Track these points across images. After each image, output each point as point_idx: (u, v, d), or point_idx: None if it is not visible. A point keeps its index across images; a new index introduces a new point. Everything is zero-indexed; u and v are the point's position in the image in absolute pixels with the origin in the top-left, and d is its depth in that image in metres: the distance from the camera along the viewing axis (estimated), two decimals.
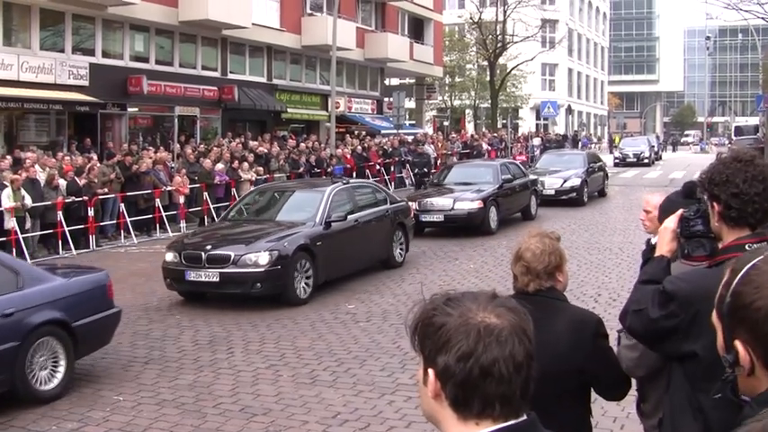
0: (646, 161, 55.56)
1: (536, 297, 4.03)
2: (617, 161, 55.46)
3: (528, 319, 2.00)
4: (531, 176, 28.03)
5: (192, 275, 14.30)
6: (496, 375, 1.91)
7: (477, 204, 22.81)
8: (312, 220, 15.70)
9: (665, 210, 4.27)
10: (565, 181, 30.11)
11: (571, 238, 21.34)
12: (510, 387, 1.92)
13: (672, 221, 3.82)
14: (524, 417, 1.97)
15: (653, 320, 3.60)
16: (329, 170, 31.89)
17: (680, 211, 3.81)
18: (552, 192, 29.63)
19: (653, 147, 60.93)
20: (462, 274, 17.30)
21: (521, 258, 4.13)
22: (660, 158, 65.10)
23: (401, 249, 18.35)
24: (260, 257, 14.11)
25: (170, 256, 14.79)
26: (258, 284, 14.06)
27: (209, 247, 14.58)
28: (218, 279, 14.11)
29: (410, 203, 21.18)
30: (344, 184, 17.90)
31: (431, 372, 1.96)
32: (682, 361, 3.64)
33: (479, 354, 1.90)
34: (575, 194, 29.97)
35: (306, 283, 14.68)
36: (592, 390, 4.28)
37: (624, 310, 3.81)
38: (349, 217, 16.42)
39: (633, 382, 4.39)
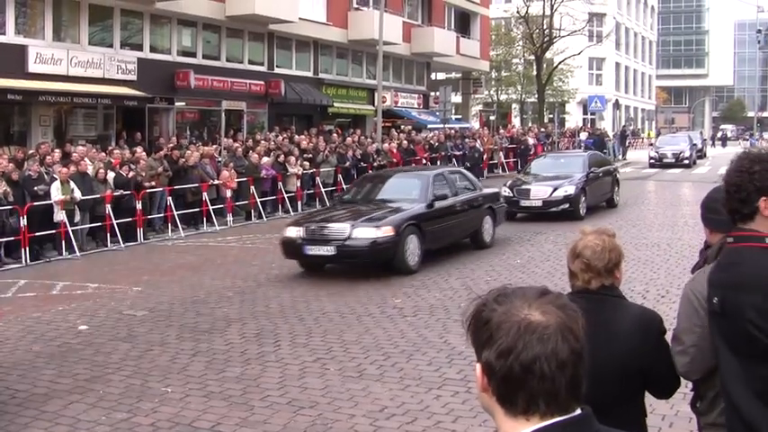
0: (686, 162, 48.65)
1: (598, 295, 3.99)
2: (652, 162, 48.89)
3: (578, 318, 2.00)
4: (485, 190, 20.71)
5: None
6: (537, 373, 1.91)
7: (383, 232, 16.21)
8: None
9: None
10: (555, 189, 24.47)
11: (618, 233, 20.91)
12: (554, 385, 1.92)
13: None
14: (577, 412, 1.97)
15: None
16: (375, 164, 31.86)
17: None
18: (539, 203, 24.39)
19: (695, 145, 53.60)
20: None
21: (579, 255, 4.06)
22: (704, 156, 59.56)
23: None
24: None
25: None
26: None
27: None
28: None
29: (289, 229, 16.83)
30: None
31: (478, 366, 2.00)
32: None
33: (519, 351, 1.92)
34: (568, 205, 24.32)
35: None
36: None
37: None
38: None
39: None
